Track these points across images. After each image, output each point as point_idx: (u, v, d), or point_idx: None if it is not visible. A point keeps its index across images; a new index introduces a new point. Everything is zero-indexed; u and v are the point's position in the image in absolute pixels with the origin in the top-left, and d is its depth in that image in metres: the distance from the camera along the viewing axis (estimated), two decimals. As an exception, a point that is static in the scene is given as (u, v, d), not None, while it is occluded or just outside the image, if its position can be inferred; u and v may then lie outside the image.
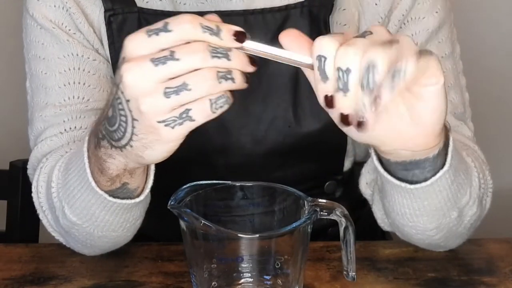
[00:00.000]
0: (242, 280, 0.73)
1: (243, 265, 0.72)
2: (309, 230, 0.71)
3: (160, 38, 0.61)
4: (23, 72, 0.99)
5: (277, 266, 0.72)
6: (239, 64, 0.62)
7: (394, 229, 0.88)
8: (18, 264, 0.88)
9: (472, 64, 1.08)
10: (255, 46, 0.63)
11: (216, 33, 0.61)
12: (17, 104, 1.43)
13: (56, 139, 0.92)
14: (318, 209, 0.70)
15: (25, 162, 1.07)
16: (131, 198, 0.78)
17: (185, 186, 0.73)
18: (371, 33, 0.61)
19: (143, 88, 0.62)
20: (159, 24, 0.61)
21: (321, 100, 0.62)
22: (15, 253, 0.91)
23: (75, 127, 0.92)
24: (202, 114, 0.63)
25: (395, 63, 0.60)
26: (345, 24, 0.94)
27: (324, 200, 0.71)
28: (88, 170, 0.75)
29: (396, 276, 0.85)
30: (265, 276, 0.73)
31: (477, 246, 0.91)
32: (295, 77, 0.93)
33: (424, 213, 0.80)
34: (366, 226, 0.99)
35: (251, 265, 0.72)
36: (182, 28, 0.61)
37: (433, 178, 0.75)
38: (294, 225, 0.69)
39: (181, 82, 0.61)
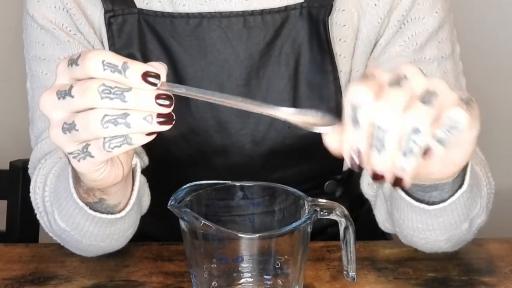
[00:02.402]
0: (242, 280, 0.73)
1: (243, 265, 0.72)
2: (309, 230, 0.71)
3: (72, 70, 0.60)
4: (23, 72, 1.00)
5: (277, 266, 0.72)
6: (139, 105, 0.58)
7: (398, 235, 0.88)
8: (18, 264, 0.88)
9: (472, 64, 1.08)
10: (173, 88, 0.59)
11: (119, 70, 0.58)
12: (17, 104, 1.43)
13: (56, 138, 0.92)
14: (318, 209, 0.70)
15: (25, 162, 1.07)
16: (112, 213, 0.78)
17: (185, 186, 0.73)
18: (405, 77, 0.58)
19: (50, 117, 0.61)
20: (76, 55, 0.60)
21: (347, 150, 0.59)
22: (15, 253, 0.91)
23: None
24: (97, 152, 0.61)
25: (437, 120, 0.57)
26: (344, 25, 0.94)
27: (324, 200, 0.72)
28: (71, 181, 0.76)
29: (396, 276, 0.85)
30: (265, 276, 0.73)
31: (477, 246, 0.91)
32: (295, 79, 0.94)
33: (437, 228, 0.80)
34: (366, 226, 0.99)
35: (251, 265, 0.72)
36: (85, 65, 0.58)
37: (452, 199, 0.76)
38: (294, 225, 0.69)
39: (71, 121, 0.60)
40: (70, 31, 0.94)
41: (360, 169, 0.59)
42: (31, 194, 0.89)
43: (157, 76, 0.59)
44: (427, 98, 0.58)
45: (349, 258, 0.73)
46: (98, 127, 0.58)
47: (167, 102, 0.59)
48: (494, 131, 1.69)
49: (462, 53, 0.99)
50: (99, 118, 0.58)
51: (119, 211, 0.78)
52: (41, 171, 0.89)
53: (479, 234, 0.88)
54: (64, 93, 0.59)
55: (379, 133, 0.57)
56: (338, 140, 0.60)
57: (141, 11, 0.94)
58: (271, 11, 0.93)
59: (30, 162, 0.95)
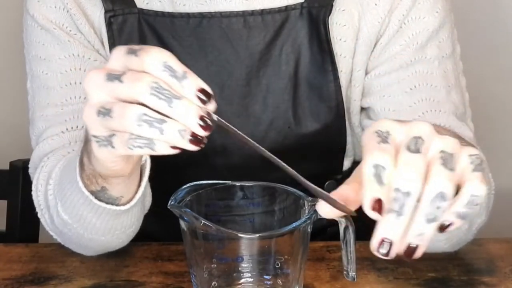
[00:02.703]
0: (242, 280, 0.73)
1: (243, 265, 0.72)
2: (309, 230, 0.71)
3: (130, 59, 0.59)
4: (23, 72, 1.00)
5: (277, 266, 0.72)
6: (181, 116, 0.57)
7: None
8: (18, 264, 0.88)
9: (472, 64, 1.08)
10: (223, 122, 0.59)
11: (177, 77, 0.57)
12: (17, 104, 1.43)
13: (58, 138, 0.92)
14: (318, 209, 0.70)
15: (25, 162, 1.07)
16: (115, 205, 0.78)
17: (185, 186, 0.73)
18: (422, 140, 0.56)
19: (89, 96, 0.61)
20: (138, 46, 0.59)
21: (371, 202, 0.56)
22: (15, 253, 0.91)
23: (77, 127, 0.92)
24: (120, 145, 0.60)
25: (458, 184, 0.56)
26: (344, 25, 0.94)
27: (324, 200, 0.71)
28: (78, 169, 0.75)
29: (396, 276, 0.85)
30: (265, 276, 0.73)
31: (477, 246, 0.91)
32: (295, 78, 0.94)
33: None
34: (366, 226, 0.99)
35: (251, 265, 0.72)
36: (144, 59, 0.58)
37: None
38: (294, 225, 0.69)
39: (109, 107, 0.59)
40: (70, 31, 0.94)
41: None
42: (33, 192, 0.89)
43: (210, 96, 0.58)
44: (448, 162, 0.56)
45: (349, 258, 0.73)
46: (132, 122, 0.58)
47: (206, 126, 0.58)
48: (494, 131, 1.69)
49: (463, 53, 0.99)
50: (137, 115, 0.57)
51: (123, 204, 0.78)
52: (43, 169, 0.89)
53: (479, 234, 0.88)
54: (114, 77, 0.59)
55: (400, 197, 0.54)
56: (329, 208, 0.60)
57: (141, 11, 0.94)
58: (271, 11, 0.93)
59: (31, 162, 0.95)
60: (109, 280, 0.85)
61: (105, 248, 0.87)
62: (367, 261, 0.88)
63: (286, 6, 0.93)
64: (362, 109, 0.99)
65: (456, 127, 0.92)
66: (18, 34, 1.03)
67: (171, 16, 0.93)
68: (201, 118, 0.57)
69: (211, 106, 0.58)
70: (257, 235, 0.69)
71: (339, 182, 1.01)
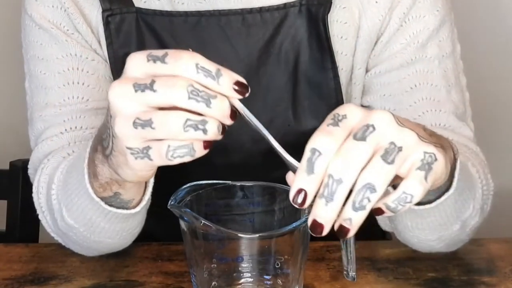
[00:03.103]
0: (242, 280, 0.73)
1: (243, 265, 0.72)
2: (309, 230, 0.71)
3: (155, 66, 0.59)
4: (22, 72, 0.99)
5: (277, 266, 0.72)
6: (218, 114, 0.59)
7: (395, 233, 0.88)
8: (18, 264, 0.88)
9: (472, 64, 1.08)
10: (247, 112, 0.61)
11: (213, 76, 0.58)
12: (16, 104, 1.43)
13: (57, 139, 0.92)
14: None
15: (25, 162, 1.07)
16: (126, 209, 0.78)
17: (185, 186, 0.73)
18: (373, 129, 0.58)
19: (120, 109, 0.60)
20: (160, 52, 0.59)
21: (293, 192, 0.58)
22: (15, 253, 0.91)
23: (76, 127, 0.92)
24: (158, 156, 0.60)
25: (397, 174, 0.58)
26: (345, 22, 0.94)
27: (324, 200, 0.71)
28: (86, 176, 0.75)
29: (396, 276, 0.85)
30: (265, 276, 0.73)
31: (477, 246, 0.91)
32: (295, 77, 0.94)
33: (427, 228, 0.80)
34: (366, 226, 0.99)
35: (251, 265, 0.72)
36: (177, 65, 0.58)
37: (438, 201, 0.75)
38: (294, 225, 0.68)
39: (148, 117, 0.58)
40: (68, 30, 0.94)
41: (301, 207, 0.59)
42: (33, 195, 0.89)
43: (247, 87, 0.59)
44: (390, 155, 0.57)
45: (349, 258, 0.73)
46: (179, 129, 0.58)
47: (234, 116, 0.60)
48: (494, 131, 1.69)
49: (463, 53, 0.99)
50: (182, 121, 0.58)
51: (133, 207, 0.78)
52: (44, 171, 0.88)
53: (479, 234, 0.88)
54: (144, 87, 0.58)
55: (331, 184, 0.57)
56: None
57: (139, 10, 0.94)
58: (270, 9, 0.93)
59: (30, 163, 0.95)
60: (109, 280, 0.85)
61: (110, 249, 0.87)
62: (367, 261, 0.88)
63: (285, 4, 0.93)
64: (362, 107, 0.99)
65: (456, 126, 0.92)
66: (16, 34, 1.03)
67: (170, 15, 0.93)
68: (232, 111, 0.59)
69: (247, 95, 0.59)
70: (257, 235, 0.69)
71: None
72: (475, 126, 0.97)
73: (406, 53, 0.94)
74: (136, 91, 0.58)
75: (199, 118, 0.58)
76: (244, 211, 0.77)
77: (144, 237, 0.89)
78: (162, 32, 0.93)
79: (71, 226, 0.82)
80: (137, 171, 0.66)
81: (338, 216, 0.58)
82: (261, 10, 0.93)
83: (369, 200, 0.57)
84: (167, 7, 0.94)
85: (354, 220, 0.58)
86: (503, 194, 1.01)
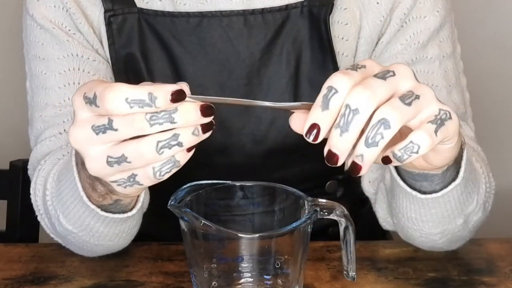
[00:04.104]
0: (242, 280, 0.73)
1: (243, 265, 0.72)
2: (309, 230, 0.71)
3: (92, 108, 0.59)
4: (23, 72, 0.99)
5: (277, 266, 0.72)
6: (187, 122, 0.58)
7: (397, 230, 0.88)
8: (18, 264, 0.88)
9: (472, 64, 1.08)
10: (203, 98, 0.59)
11: (148, 103, 0.57)
12: (17, 104, 1.43)
13: (55, 139, 0.92)
14: (318, 209, 0.70)
15: (25, 162, 1.07)
16: (125, 212, 0.78)
17: (185, 186, 0.73)
18: (394, 74, 0.58)
19: (87, 154, 0.61)
20: (90, 93, 0.58)
21: (307, 127, 0.58)
22: (15, 253, 0.91)
23: None
24: (147, 180, 0.61)
25: (409, 123, 0.58)
26: (346, 23, 0.94)
27: (324, 200, 0.71)
28: (79, 185, 0.75)
29: (396, 276, 0.85)
30: (265, 276, 0.73)
31: (477, 246, 0.91)
32: (296, 78, 0.94)
33: (430, 220, 0.80)
34: (366, 226, 0.99)
35: (251, 265, 0.72)
36: (106, 107, 0.57)
37: (444, 190, 0.75)
38: (294, 225, 0.68)
39: (120, 154, 0.59)
40: (69, 30, 0.94)
41: (314, 142, 0.59)
42: (31, 196, 0.89)
43: (183, 93, 0.58)
44: (408, 98, 0.58)
45: (349, 258, 0.73)
46: (153, 155, 0.58)
47: (210, 111, 0.59)
48: (494, 131, 1.69)
49: (463, 53, 0.99)
50: (154, 146, 0.58)
51: (130, 209, 0.78)
52: (40, 173, 0.88)
53: (479, 234, 0.88)
54: (104, 128, 0.58)
55: (348, 114, 0.56)
56: (301, 120, 0.60)
57: (141, 10, 0.94)
58: (272, 10, 0.93)
59: (29, 163, 0.95)
60: (109, 280, 0.85)
61: (111, 251, 0.87)
62: (367, 261, 0.88)
63: (287, 5, 0.93)
64: None
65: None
66: (17, 34, 1.03)
67: (171, 15, 0.93)
68: (201, 109, 0.59)
69: (187, 97, 0.58)
70: (257, 235, 0.69)
71: (341, 182, 1.01)
72: (475, 126, 0.98)
73: (407, 54, 0.94)
74: (97, 133, 0.59)
75: (169, 134, 0.58)
76: (244, 211, 0.77)
77: (144, 237, 0.89)
78: (164, 33, 0.93)
79: (69, 231, 0.82)
80: (131, 194, 0.68)
81: (352, 151, 0.58)
82: (263, 11, 0.93)
83: (382, 137, 0.56)
84: (169, 8, 0.94)
85: (366, 157, 0.57)
86: (503, 194, 1.01)
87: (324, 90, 0.58)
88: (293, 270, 0.72)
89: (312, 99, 0.95)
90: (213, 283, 0.73)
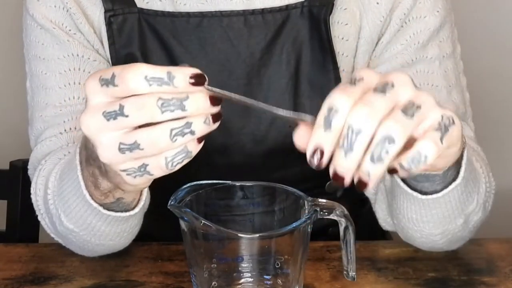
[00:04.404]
0: (242, 280, 0.73)
1: (243, 265, 0.72)
2: (309, 230, 0.71)
3: (110, 90, 0.58)
4: (23, 72, 0.99)
5: (277, 266, 0.72)
6: (198, 110, 0.58)
7: (397, 230, 0.88)
8: (18, 264, 0.88)
9: (472, 64, 1.08)
10: (218, 90, 0.59)
11: (167, 82, 0.57)
12: (17, 104, 1.43)
13: (56, 139, 0.92)
14: (318, 209, 0.70)
15: (25, 162, 1.07)
16: (127, 211, 0.78)
17: (185, 186, 0.73)
18: (393, 85, 0.57)
19: (99, 141, 0.60)
20: (108, 74, 0.58)
21: (310, 151, 0.58)
22: (15, 253, 0.91)
23: (75, 128, 0.92)
24: (158, 170, 0.61)
25: (413, 135, 0.57)
26: (346, 24, 0.94)
27: (324, 200, 0.71)
28: (82, 183, 0.75)
29: (396, 276, 0.85)
30: (265, 276, 0.73)
31: (477, 246, 0.91)
32: (296, 77, 0.94)
33: (431, 220, 0.80)
34: (366, 226, 0.99)
35: (251, 265, 0.72)
36: (126, 84, 0.57)
37: (445, 191, 0.75)
38: (294, 225, 0.68)
39: (133, 141, 0.58)
40: (70, 30, 0.94)
41: (319, 169, 0.59)
42: (32, 196, 0.89)
43: (203, 76, 0.58)
44: (409, 110, 0.57)
45: (349, 258, 0.73)
46: (167, 142, 0.58)
47: (218, 101, 0.59)
48: (494, 131, 1.69)
49: (463, 53, 0.99)
50: (168, 134, 0.58)
51: (132, 208, 0.78)
52: (41, 173, 0.88)
53: (479, 234, 0.88)
54: (115, 114, 0.58)
55: (351, 135, 0.56)
56: (305, 137, 0.59)
57: (141, 10, 0.94)
58: (272, 10, 0.93)
59: (29, 163, 0.95)
60: (109, 280, 0.85)
61: (112, 250, 0.87)
62: (367, 261, 0.88)
63: (287, 5, 0.93)
64: None
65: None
66: (18, 34, 1.03)
67: (172, 15, 0.93)
68: (211, 99, 0.59)
69: (206, 83, 0.58)
70: (257, 235, 0.69)
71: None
72: (475, 126, 0.98)
73: (407, 54, 0.94)
74: (108, 120, 0.58)
75: (182, 122, 0.58)
76: (244, 211, 0.78)
77: (144, 237, 0.89)
78: (164, 33, 0.93)
79: (70, 230, 0.82)
80: (139, 186, 0.67)
81: (358, 168, 0.58)
82: (263, 11, 0.93)
83: (387, 152, 0.56)
84: (169, 8, 0.94)
85: (373, 173, 0.57)
86: (503, 194, 1.01)
87: (324, 110, 0.57)
88: (293, 270, 0.72)
89: (312, 99, 0.95)
90: (213, 283, 0.73)
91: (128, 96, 0.58)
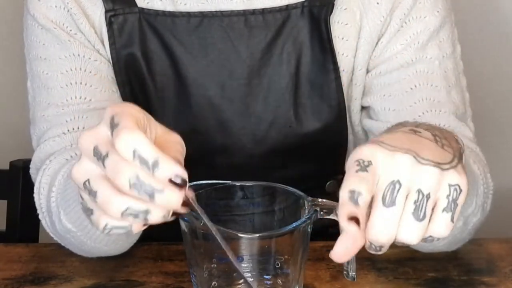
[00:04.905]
0: (242, 280, 0.73)
1: (243, 265, 0.72)
2: (309, 230, 0.71)
3: (109, 134, 0.58)
4: (24, 72, 0.99)
5: (277, 266, 0.72)
6: (163, 207, 0.57)
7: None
8: (18, 264, 0.88)
9: (472, 64, 1.08)
10: (199, 210, 0.59)
11: (148, 166, 0.55)
12: (17, 104, 1.43)
13: (59, 139, 0.92)
14: (318, 209, 0.70)
15: (25, 162, 1.07)
16: None
17: (185, 186, 0.73)
18: (400, 185, 0.59)
19: (82, 155, 0.59)
20: (116, 119, 0.57)
21: (345, 217, 0.59)
22: (15, 253, 0.91)
23: (78, 128, 0.92)
24: (95, 224, 0.60)
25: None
26: (346, 24, 0.94)
27: (324, 200, 0.71)
28: None
29: (396, 276, 0.85)
30: (265, 276, 0.73)
31: (477, 246, 0.91)
32: (296, 77, 0.94)
33: None
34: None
35: (251, 265, 0.72)
36: (118, 146, 0.56)
37: None
38: (294, 225, 0.68)
39: (95, 189, 0.58)
40: (70, 30, 0.94)
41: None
42: (35, 195, 0.89)
43: (185, 182, 0.57)
44: (420, 211, 0.59)
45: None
46: (116, 213, 0.57)
47: (188, 205, 0.59)
48: (494, 131, 1.69)
49: (463, 53, 0.99)
50: (122, 208, 0.57)
51: None
52: (46, 172, 0.88)
53: (479, 234, 0.88)
54: (99, 156, 0.57)
55: (376, 249, 0.60)
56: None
57: (142, 10, 0.94)
58: (272, 10, 0.93)
59: (32, 163, 0.95)
60: (109, 280, 0.85)
61: (108, 255, 0.87)
62: (367, 261, 0.88)
63: (287, 5, 0.93)
64: (363, 108, 0.99)
65: (456, 127, 0.92)
66: (18, 34, 1.03)
67: (172, 15, 0.93)
68: (183, 204, 0.58)
69: (186, 189, 0.58)
70: (257, 235, 0.69)
71: (341, 182, 1.01)
72: (475, 126, 0.98)
73: (407, 54, 0.94)
74: (93, 155, 0.58)
75: (142, 208, 0.57)
76: (244, 211, 0.77)
77: (144, 237, 0.89)
78: (164, 33, 0.93)
79: (68, 230, 0.82)
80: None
81: None
82: (263, 11, 0.93)
83: (408, 246, 0.61)
84: (170, 8, 0.94)
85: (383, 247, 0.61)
86: (503, 194, 1.01)
87: (347, 193, 0.59)
88: (293, 270, 0.72)
89: (313, 99, 0.95)
90: (213, 283, 0.73)
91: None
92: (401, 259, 0.88)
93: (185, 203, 0.59)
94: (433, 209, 0.60)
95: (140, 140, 0.56)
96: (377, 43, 0.95)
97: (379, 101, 0.95)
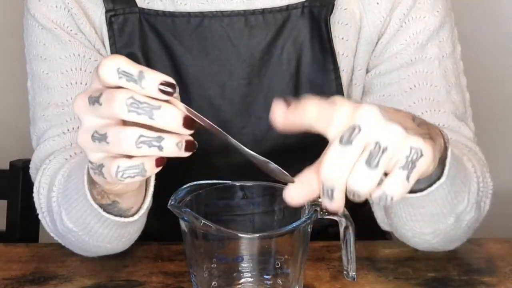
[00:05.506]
0: (242, 280, 0.73)
1: (243, 265, 0.72)
2: (309, 230, 0.71)
3: (95, 77, 0.59)
4: (24, 72, 0.99)
5: (277, 266, 0.72)
6: (164, 125, 0.57)
7: (393, 230, 0.88)
8: (18, 264, 0.88)
9: (472, 64, 1.08)
10: (194, 112, 0.58)
11: (135, 80, 0.56)
12: (17, 104, 1.43)
13: (59, 139, 0.92)
14: (318, 209, 0.70)
15: (25, 162, 1.07)
16: (124, 217, 0.78)
17: (185, 186, 0.73)
18: (359, 130, 0.58)
19: (82, 122, 0.61)
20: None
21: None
22: (15, 253, 0.91)
23: (78, 128, 0.92)
24: (108, 175, 0.61)
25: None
26: (347, 24, 0.94)
27: (324, 200, 0.71)
28: (86, 182, 0.75)
29: (396, 276, 0.85)
30: (265, 276, 0.73)
31: (477, 246, 0.91)
32: (296, 78, 0.94)
33: (420, 219, 0.80)
34: (366, 226, 0.99)
35: (251, 265, 0.72)
36: (102, 73, 0.57)
37: (429, 189, 0.75)
38: (294, 225, 0.68)
39: (104, 132, 0.59)
40: (71, 30, 0.94)
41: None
42: (34, 195, 0.89)
43: (173, 86, 0.57)
44: (374, 159, 0.58)
45: (349, 258, 0.73)
46: (131, 146, 0.58)
47: (191, 125, 0.59)
48: (494, 131, 1.69)
49: (463, 53, 0.99)
50: (135, 138, 0.57)
51: (132, 215, 0.78)
52: (46, 172, 0.88)
53: (479, 234, 0.88)
54: (94, 99, 0.58)
55: (327, 191, 0.60)
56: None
57: (142, 10, 0.94)
58: (273, 10, 0.93)
59: (31, 163, 0.95)
60: (109, 280, 0.85)
61: (109, 253, 0.87)
62: (367, 261, 0.88)
63: (288, 6, 0.93)
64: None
65: (455, 126, 0.92)
66: (18, 34, 1.03)
67: (172, 15, 0.93)
68: (185, 119, 0.58)
69: (176, 94, 0.58)
70: (257, 235, 0.69)
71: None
72: (475, 126, 0.98)
73: (406, 54, 0.94)
74: (89, 104, 0.59)
75: (154, 134, 0.58)
76: (244, 211, 0.77)
77: (144, 237, 0.89)
78: (164, 33, 0.94)
79: (70, 229, 0.82)
80: (105, 187, 0.68)
81: None
82: (263, 11, 0.93)
83: (359, 197, 0.60)
84: (170, 8, 0.94)
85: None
86: (502, 194, 1.02)
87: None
88: (293, 270, 0.72)
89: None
90: (213, 283, 0.73)
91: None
92: (401, 259, 0.88)
93: (189, 122, 0.58)
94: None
95: (121, 59, 0.57)
96: (376, 43, 0.95)
97: (379, 101, 0.95)
